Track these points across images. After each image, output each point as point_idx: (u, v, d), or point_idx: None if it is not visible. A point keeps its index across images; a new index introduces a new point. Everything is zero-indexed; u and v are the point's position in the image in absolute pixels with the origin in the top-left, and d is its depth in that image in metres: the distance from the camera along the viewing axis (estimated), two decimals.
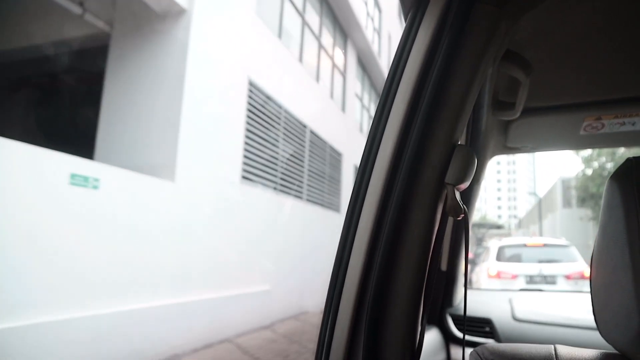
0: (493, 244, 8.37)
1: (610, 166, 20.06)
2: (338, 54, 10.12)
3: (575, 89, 1.10)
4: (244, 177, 5.72)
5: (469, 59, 0.66)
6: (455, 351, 1.38)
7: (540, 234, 25.02)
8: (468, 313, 1.49)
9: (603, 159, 20.54)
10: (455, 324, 1.45)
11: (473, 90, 0.67)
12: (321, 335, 0.68)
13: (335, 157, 9.40)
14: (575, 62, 0.97)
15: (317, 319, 7.76)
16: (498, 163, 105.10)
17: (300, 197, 7.50)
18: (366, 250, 0.66)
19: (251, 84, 5.92)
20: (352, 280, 0.66)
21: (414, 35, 0.69)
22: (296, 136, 7.36)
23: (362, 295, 0.65)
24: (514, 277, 6.85)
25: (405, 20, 0.73)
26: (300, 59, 7.79)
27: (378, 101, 0.72)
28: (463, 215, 0.67)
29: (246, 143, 5.77)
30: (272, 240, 6.33)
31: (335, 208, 9.36)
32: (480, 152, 1.29)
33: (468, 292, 0.94)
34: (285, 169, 6.86)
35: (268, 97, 6.36)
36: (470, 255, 9.47)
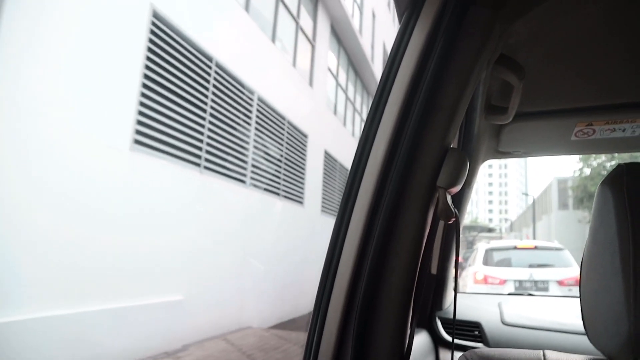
0: (480, 246, 7.78)
1: (610, 165, 18.82)
2: (305, 17, 8.51)
3: (567, 95, 1.12)
4: (139, 143, 4.05)
5: (463, 61, 0.67)
6: (444, 355, 1.40)
7: (534, 237, 23.77)
8: (458, 317, 1.49)
9: (602, 157, 19.29)
10: (445, 328, 1.44)
11: (466, 94, 0.68)
12: (309, 338, 0.67)
13: (297, 138, 7.79)
14: (568, 68, 0.99)
15: (260, 338, 6.25)
16: (490, 166, 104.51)
17: (242, 182, 5.87)
18: (356, 253, 0.65)
19: (155, 16, 4.27)
20: (341, 283, 0.65)
21: (408, 36, 0.69)
22: (235, 100, 5.74)
23: (351, 298, 0.64)
24: (502, 282, 6.42)
25: (400, 22, 0.73)
26: (247, 7, 6.17)
27: (371, 103, 0.70)
28: (454, 219, 0.67)
29: (144, 94, 4.12)
30: (193, 235, 4.71)
31: (297, 199, 7.75)
32: (472, 156, 1.28)
33: (458, 295, 0.97)
34: (214, 140, 5.22)
35: (183, 38, 4.71)
36: (459, 259, 9.88)
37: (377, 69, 13.83)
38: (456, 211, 0.67)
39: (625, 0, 0.76)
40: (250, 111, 6.06)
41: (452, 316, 1.14)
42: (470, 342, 1.43)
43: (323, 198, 9.11)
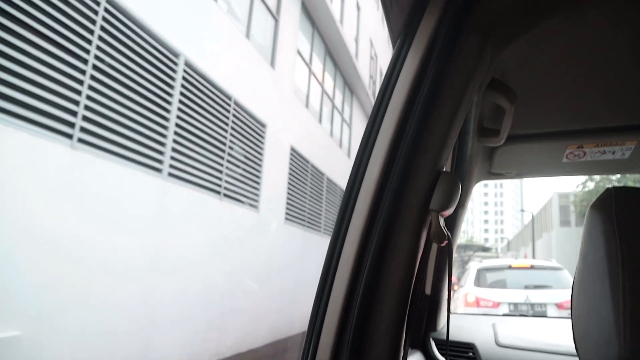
0: (472, 266, 7.26)
1: (616, 178, 17.45)
2: None
3: (558, 118, 1.14)
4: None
5: (455, 86, 0.68)
6: None
7: (533, 256, 22.21)
8: (452, 338, 1.51)
9: None
10: (439, 349, 1.43)
11: (459, 117, 0.69)
12: (303, 358, 0.67)
13: (250, 126, 6.23)
14: (558, 92, 1.01)
15: None
16: (486, 185, 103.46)
17: (156, 169, 4.26)
18: (350, 274, 0.65)
19: None
20: (335, 304, 0.64)
21: (401, 61, 0.70)
22: (152, 64, 4.18)
23: (345, 318, 0.64)
24: (496, 305, 5.87)
25: (394, 47, 0.75)
26: None
27: (365, 126, 0.71)
28: (447, 241, 0.68)
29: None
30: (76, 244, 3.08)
31: (248, 202, 6.14)
32: (465, 178, 1.31)
33: (452, 316, 1.06)
34: (98, 102, 3.61)
35: None
36: (454, 279, 8.72)
37: (363, 66, 12.41)
38: (449, 234, 0.68)
39: (612, 26, 0.79)
40: (173, 78, 4.49)
41: (445, 337, 1.10)
42: None
43: (288, 204, 7.50)
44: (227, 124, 5.57)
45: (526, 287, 6.05)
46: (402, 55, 0.70)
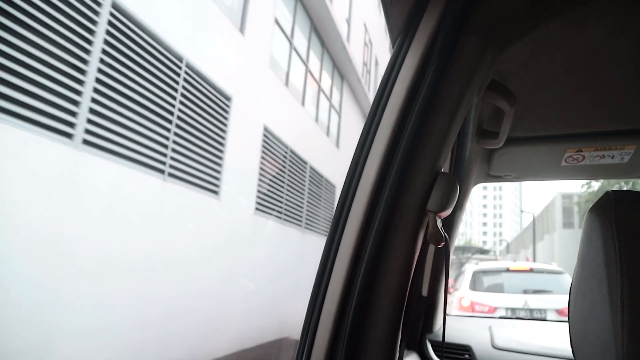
0: (468, 268, 6.89)
1: (624, 180, 16.55)
2: None
3: (557, 121, 1.14)
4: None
5: (454, 87, 0.67)
6: None
7: (534, 259, 21.31)
8: (448, 339, 1.52)
9: None
10: (435, 350, 1.44)
11: (458, 119, 0.68)
12: (298, 358, 0.66)
13: (212, 98, 5.27)
14: (557, 95, 1.02)
15: None
16: (485, 188, 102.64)
17: (66, 134, 3.29)
18: (346, 274, 0.64)
19: None
20: (330, 305, 0.64)
21: (400, 62, 0.70)
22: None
23: (340, 319, 0.64)
24: (492, 310, 5.62)
25: (393, 47, 0.74)
26: None
27: (363, 126, 0.71)
28: (444, 242, 0.68)
29: None
30: None
31: (207, 186, 5.17)
32: (463, 180, 1.30)
33: (448, 318, 1.04)
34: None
35: None
36: (450, 282, 8.24)
37: (356, 51, 11.45)
38: (446, 235, 0.68)
39: (613, 31, 0.79)
40: (94, 22, 3.52)
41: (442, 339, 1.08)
42: None
43: (261, 193, 6.53)
44: (175, 90, 4.60)
45: (525, 292, 5.71)
46: (402, 55, 0.70)
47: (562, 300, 5.32)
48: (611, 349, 0.46)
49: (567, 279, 5.75)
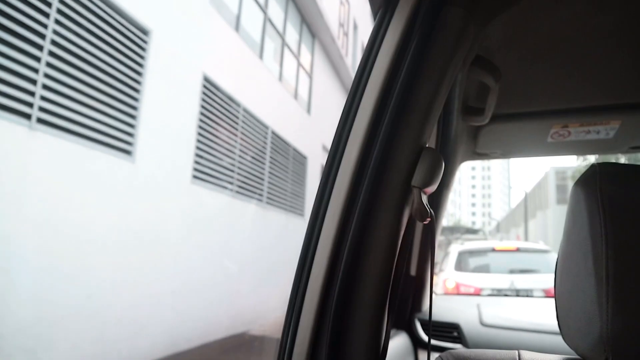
0: (453, 248, 6.81)
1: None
2: None
3: (543, 97, 1.14)
4: None
5: (438, 60, 0.66)
6: (423, 356, 1.40)
7: (526, 238, 20.48)
8: (437, 318, 1.52)
9: None
10: (424, 329, 1.45)
11: (441, 93, 0.67)
12: (283, 341, 0.65)
13: (120, 29, 3.96)
14: (543, 70, 1.01)
15: None
16: (473, 168, 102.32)
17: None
18: (330, 254, 0.63)
19: None
20: (315, 284, 0.63)
21: (382, 35, 0.68)
22: None
23: (325, 298, 0.63)
24: (478, 291, 5.32)
25: (374, 20, 0.72)
26: None
27: (345, 101, 0.69)
28: (429, 219, 0.66)
29: None
30: None
31: (118, 146, 3.91)
32: (450, 158, 1.30)
33: (437, 297, 0.99)
34: None
35: None
36: (438, 261, 7.84)
37: (329, 7, 10.09)
38: (432, 211, 0.66)
39: (597, 5, 0.78)
40: None
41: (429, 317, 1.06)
42: (449, 343, 1.45)
43: (198, 157, 5.27)
44: (49, 5, 3.29)
45: (511, 272, 5.61)
46: (383, 28, 0.68)
47: (548, 280, 5.11)
48: (596, 320, 0.46)
49: (554, 257, 5.51)
